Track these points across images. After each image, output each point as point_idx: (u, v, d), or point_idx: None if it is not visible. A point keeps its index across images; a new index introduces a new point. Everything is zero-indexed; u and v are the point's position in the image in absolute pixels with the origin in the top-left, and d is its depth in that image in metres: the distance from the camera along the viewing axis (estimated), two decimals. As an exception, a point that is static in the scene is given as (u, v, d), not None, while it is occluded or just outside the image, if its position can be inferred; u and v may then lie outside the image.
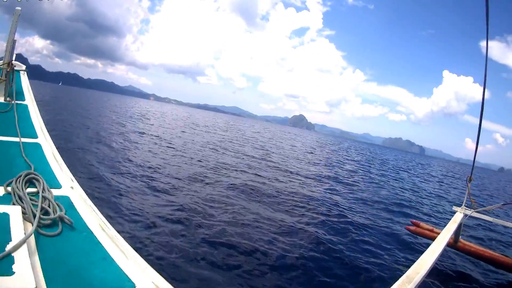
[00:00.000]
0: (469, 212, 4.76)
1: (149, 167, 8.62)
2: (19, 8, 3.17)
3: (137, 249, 1.49)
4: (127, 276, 1.32)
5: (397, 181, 16.17)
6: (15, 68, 3.80)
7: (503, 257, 4.82)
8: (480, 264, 5.35)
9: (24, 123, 2.92)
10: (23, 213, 1.56)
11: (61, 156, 2.45)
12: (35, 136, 2.76)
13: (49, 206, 1.67)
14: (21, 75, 4.03)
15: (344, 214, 7.20)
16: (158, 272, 1.33)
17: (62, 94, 65.07)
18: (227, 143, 19.03)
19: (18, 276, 1.11)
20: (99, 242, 1.53)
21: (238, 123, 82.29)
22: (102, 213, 1.77)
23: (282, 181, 9.90)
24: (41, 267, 1.25)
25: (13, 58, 3.53)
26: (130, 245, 1.49)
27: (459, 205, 4.96)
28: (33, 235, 1.40)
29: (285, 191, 8.49)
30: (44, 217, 1.57)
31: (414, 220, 6.22)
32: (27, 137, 2.64)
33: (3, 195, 1.74)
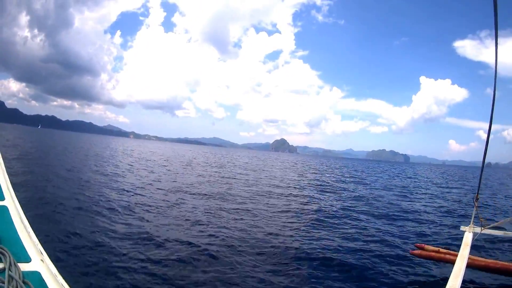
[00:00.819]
0: (478, 230, 4.80)
1: (143, 238, 6.76)
2: None
3: None
4: None
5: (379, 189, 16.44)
6: None
7: None
8: (498, 277, 5.31)
9: None
10: None
11: (30, 221, 2.21)
12: (2, 198, 2.52)
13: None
14: None
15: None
16: None
17: (41, 138, 62.83)
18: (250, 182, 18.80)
19: None
20: None
21: (223, 154, 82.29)
22: None
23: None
24: None
25: None
26: None
27: (467, 224, 4.98)
28: None
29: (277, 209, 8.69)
30: None
31: (419, 244, 6.03)
32: None
33: None
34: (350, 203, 13.16)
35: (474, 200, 4.80)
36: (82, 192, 10.96)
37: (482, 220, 4.72)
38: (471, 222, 4.92)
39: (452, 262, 3.93)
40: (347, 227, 8.83)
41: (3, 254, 1.69)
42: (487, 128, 4.26)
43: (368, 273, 5.63)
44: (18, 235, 2.04)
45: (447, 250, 5.57)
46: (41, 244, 1.98)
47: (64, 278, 1.68)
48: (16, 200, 2.49)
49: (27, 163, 17.16)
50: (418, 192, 20.31)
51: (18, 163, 16.36)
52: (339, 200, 14.16)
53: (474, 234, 4.78)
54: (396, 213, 11.39)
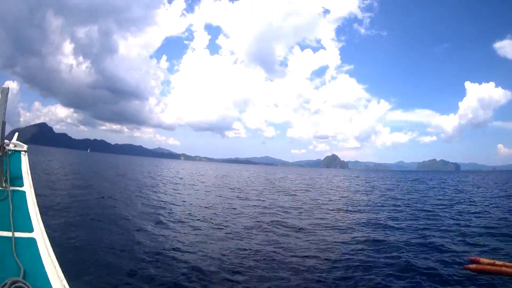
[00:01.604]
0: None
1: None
2: (7, 86, 2.83)
3: None
4: None
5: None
6: (15, 148, 3.53)
7: None
8: None
9: (19, 214, 2.59)
10: None
11: (59, 254, 2.16)
12: (31, 230, 2.42)
13: None
14: (22, 156, 3.62)
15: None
16: None
17: (90, 161, 64.01)
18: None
19: None
20: None
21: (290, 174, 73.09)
22: None
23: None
24: None
25: (4, 141, 3.11)
26: None
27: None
28: None
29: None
30: None
31: (473, 257, 5.67)
32: (21, 231, 2.34)
33: None
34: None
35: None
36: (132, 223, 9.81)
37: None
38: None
39: (510, 275, 3.95)
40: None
41: None
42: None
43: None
44: (45, 269, 1.98)
45: (503, 262, 5.62)
46: (66, 279, 1.93)
47: None
48: (45, 232, 2.42)
49: (66, 184, 18.53)
50: (480, 203, 18.72)
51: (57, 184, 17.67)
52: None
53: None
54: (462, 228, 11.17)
